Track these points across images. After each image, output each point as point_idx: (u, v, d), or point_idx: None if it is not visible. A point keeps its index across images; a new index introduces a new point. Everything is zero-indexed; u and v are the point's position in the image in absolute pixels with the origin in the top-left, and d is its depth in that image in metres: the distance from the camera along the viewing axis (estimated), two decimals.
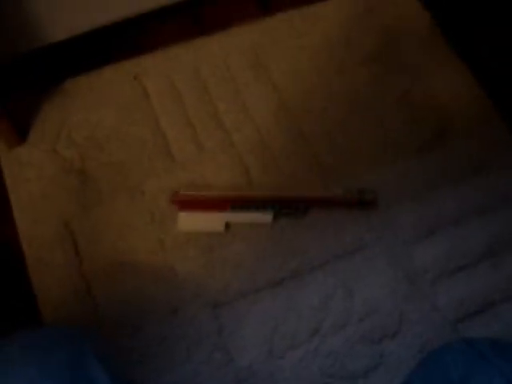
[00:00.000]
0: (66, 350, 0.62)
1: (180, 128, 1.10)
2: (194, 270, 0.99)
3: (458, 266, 1.00)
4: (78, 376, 0.60)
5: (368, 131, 1.10)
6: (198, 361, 0.93)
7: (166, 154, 1.08)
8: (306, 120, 1.11)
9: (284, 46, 1.18)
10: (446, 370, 0.64)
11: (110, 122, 1.10)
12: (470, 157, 1.08)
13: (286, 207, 1.02)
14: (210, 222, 1.02)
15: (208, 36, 1.18)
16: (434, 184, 1.06)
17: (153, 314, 0.96)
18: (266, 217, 1.02)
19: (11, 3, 1.02)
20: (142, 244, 1.01)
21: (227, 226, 1.02)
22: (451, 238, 1.02)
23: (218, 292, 0.98)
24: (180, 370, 0.93)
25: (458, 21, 1.19)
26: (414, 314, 0.97)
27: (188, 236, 1.01)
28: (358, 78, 1.16)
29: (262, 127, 1.10)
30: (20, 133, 1.08)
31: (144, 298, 0.97)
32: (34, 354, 0.60)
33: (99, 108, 1.11)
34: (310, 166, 1.07)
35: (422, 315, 0.97)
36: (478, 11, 1.19)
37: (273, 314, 0.97)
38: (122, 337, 0.95)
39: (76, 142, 1.08)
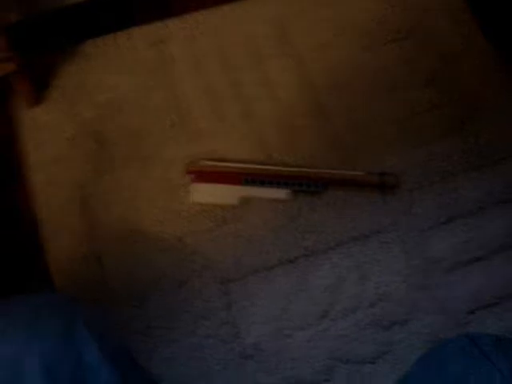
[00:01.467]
0: (55, 317, 0.62)
1: (200, 96, 1.07)
2: (204, 243, 0.98)
3: (474, 256, 0.98)
4: (65, 343, 0.60)
5: (393, 112, 1.07)
6: (204, 334, 0.92)
7: (185, 122, 1.05)
8: (329, 96, 1.08)
9: (311, 18, 1.14)
10: (445, 364, 0.64)
11: (131, 86, 1.07)
12: (494, 146, 1.05)
13: (304, 184, 1.00)
14: (225, 194, 1.00)
15: (234, 3, 1.14)
16: (455, 172, 1.04)
17: (160, 285, 0.95)
18: (282, 193, 1.00)
19: None
20: (154, 213, 0.99)
21: (242, 199, 1.00)
22: (469, 227, 1.00)
23: (228, 267, 0.96)
24: (185, 343, 0.92)
25: (491, 6, 1.14)
26: (426, 302, 0.95)
27: (201, 208, 1.00)
28: (385, 55, 1.12)
29: (283, 101, 1.08)
30: (39, 92, 1.05)
31: (152, 269, 0.96)
32: (24, 321, 0.59)
33: (120, 71, 1.08)
34: (331, 144, 1.05)
35: (434, 304, 0.95)
36: None
37: (284, 292, 0.95)
38: (128, 306, 0.94)
39: (95, 103, 1.06)
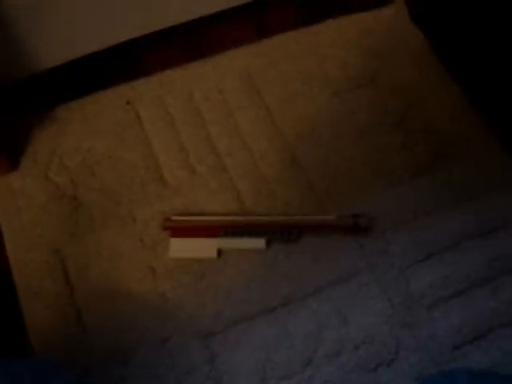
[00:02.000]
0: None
1: (172, 153, 1.09)
2: (185, 298, 0.98)
3: (455, 291, 0.98)
4: None
5: (363, 156, 1.09)
6: None
7: (158, 179, 1.07)
8: (299, 145, 1.10)
9: (278, 70, 1.17)
10: None
11: (102, 148, 1.09)
12: (466, 181, 1.07)
13: (278, 233, 1.01)
14: (202, 248, 1.00)
15: (201, 60, 1.17)
16: (429, 209, 1.04)
17: (143, 343, 0.94)
18: (258, 242, 1.01)
19: (1, 31, 1.02)
20: (133, 271, 0.99)
21: (219, 252, 1.01)
22: (448, 263, 1.00)
23: (209, 320, 0.96)
24: None
25: (451, 43, 1.17)
26: (411, 341, 0.95)
27: (179, 263, 1.00)
28: (353, 102, 1.14)
29: (255, 152, 1.09)
30: (11, 160, 1.07)
31: (134, 327, 0.96)
32: None
33: (91, 134, 1.11)
34: (304, 192, 1.06)
35: (419, 342, 0.95)
36: (472, 35, 1.18)
37: (265, 342, 0.95)
38: (112, 366, 0.93)
39: (68, 168, 1.08)
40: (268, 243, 1.01)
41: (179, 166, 1.08)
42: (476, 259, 1.01)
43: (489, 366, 0.93)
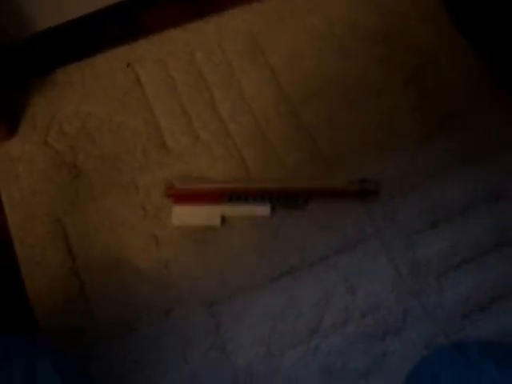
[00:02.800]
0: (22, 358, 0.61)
1: (174, 117, 1.06)
2: (189, 267, 0.96)
3: (464, 258, 0.96)
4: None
5: (372, 118, 1.05)
6: (194, 361, 0.91)
7: (160, 145, 1.04)
8: (306, 107, 1.07)
9: (283, 28, 1.13)
10: (435, 378, 0.63)
11: (102, 113, 1.06)
12: (477, 144, 1.04)
13: (284, 199, 0.98)
14: (206, 215, 0.98)
15: (203, 19, 1.13)
16: (439, 174, 1.02)
17: (147, 314, 0.93)
18: (263, 209, 0.98)
19: None
20: (136, 240, 0.98)
21: (223, 219, 0.98)
22: (457, 229, 0.98)
23: (213, 289, 0.95)
24: (175, 371, 0.90)
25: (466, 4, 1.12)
26: (419, 309, 0.93)
27: (183, 230, 0.98)
28: (362, 60, 1.11)
29: (259, 115, 1.06)
30: (10, 126, 1.04)
31: (138, 297, 0.94)
32: None
33: (91, 98, 1.07)
34: (311, 156, 1.03)
35: (427, 311, 0.93)
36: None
37: (271, 311, 0.93)
38: (115, 337, 0.92)
39: (67, 134, 1.05)
40: (273, 210, 0.99)
41: (182, 131, 1.05)
42: (485, 226, 0.98)
43: (498, 334, 0.92)
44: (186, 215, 0.98)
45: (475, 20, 1.09)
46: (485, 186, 1.01)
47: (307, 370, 0.90)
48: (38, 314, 0.93)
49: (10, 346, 0.64)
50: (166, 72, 1.09)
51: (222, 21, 1.14)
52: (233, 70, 1.09)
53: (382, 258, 0.96)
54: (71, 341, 0.91)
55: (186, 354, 0.91)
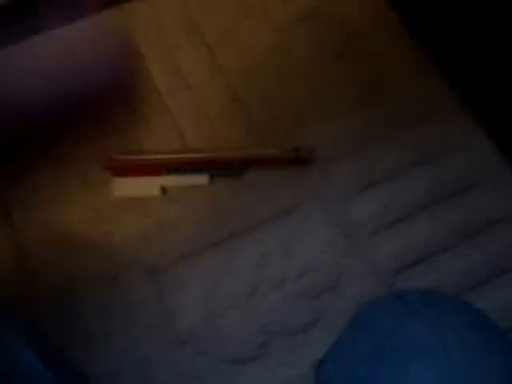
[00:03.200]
0: None
1: None
2: (131, 236, 0.99)
3: (396, 218, 1.01)
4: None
5: (305, 90, 1.09)
6: (138, 326, 0.93)
7: (97, 119, 1.06)
8: (241, 81, 1.10)
9: (217, 4, 1.16)
10: (373, 323, 0.65)
11: None
12: (407, 108, 1.08)
13: (221, 168, 1.02)
14: (146, 186, 1.01)
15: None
16: (371, 138, 1.06)
17: (90, 283, 0.95)
18: (201, 179, 1.02)
19: None
20: (77, 213, 1.00)
21: (164, 190, 1.01)
22: (389, 190, 1.02)
23: (155, 257, 0.97)
24: (119, 337, 0.93)
25: None
26: (353, 267, 0.98)
27: (124, 202, 1.00)
28: (293, 36, 1.14)
29: (196, 89, 1.09)
30: None
31: (81, 268, 0.96)
32: None
33: None
34: (246, 127, 1.06)
35: (361, 269, 0.97)
36: None
37: (211, 275, 0.97)
38: (59, 308, 0.94)
39: None
40: (211, 179, 1.02)
41: (119, 104, 1.07)
42: (415, 187, 1.03)
43: (429, 288, 0.96)
44: (127, 187, 1.01)
45: None
46: (412, 150, 1.05)
47: (248, 328, 0.94)
48: None
49: None
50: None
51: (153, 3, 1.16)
52: (169, 45, 1.12)
53: (318, 221, 1.00)
54: (15, 312, 0.93)
55: (130, 320, 0.94)
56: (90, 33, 1.09)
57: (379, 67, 1.12)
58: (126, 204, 1.00)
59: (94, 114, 1.06)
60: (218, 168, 1.01)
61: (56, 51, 1.08)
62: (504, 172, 1.04)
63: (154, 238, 0.99)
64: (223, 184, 1.02)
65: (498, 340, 0.60)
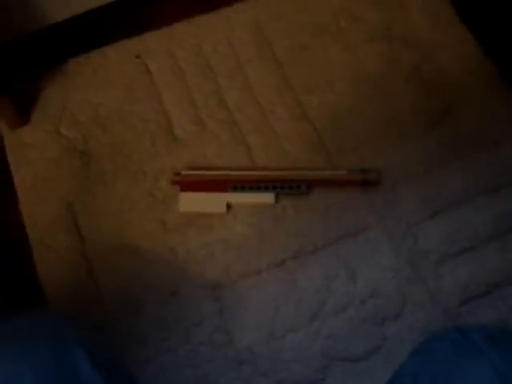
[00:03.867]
0: (48, 336, 0.62)
1: (182, 107, 1.09)
2: (194, 252, 0.99)
3: (462, 247, 0.99)
4: (59, 362, 0.60)
5: (374, 110, 1.08)
6: (198, 342, 0.94)
7: (169, 133, 1.07)
8: (310, 98, 1.09)
9: (288, 22, 1.15)
10: (437, 360, 0.63)
11: (113, 102, 1.09)
12: (476, 134, 1.06)
13: (287, 187, 1.01)
14: (212, 202, 1.01)
15: (211, 12, 1.16)
16: (439, 163, 1.04)
17: (153, 296, 0.96)
18: (267, 197, 1.01)
19: None
20: (144, 225, 1.01)
21: (229, 206, 1.01)
22: (456, 218, 1.00)
23: (218, 274, 0.98)
24: (179, 351, 0.93)
25: None
26: (417, 296, 0.96)
27: (189, 217, 1.01)
28: (365, 55, 1.13)
29: (264, 105, 1.09)
30: (23, 114, 1.08)
31: (145, 280, 0.97)
32: (17, 341, 0.60)
33: (101, 88, 1.10)
34: (314, 146, 1.05)
35: (425, 298, 0.96)
36: None
37: (274, 295, 0.96)
38: (122, 318, 0.95)
39: (78, 122, 1.08)
40: (277, 198, 1.01)
41: (189, 120, 1.08)
42: (484, 215, 1.00)
43: (495, 322, 0.94)
44: (193, 202, 1.01)
45: (480, 11, 1.11)
46: (484, 176, 1.03)
47: (308, 352, 0.93)
48: (49, 296, 0.96)
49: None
50: (175, 63, 1.12)
51: (228, 13, 1.16)
52: (239, 60, 1.12)
53: (383, 246, 0.99)
54: (79, 322, 0.95)
55: (190, 335, 0.94)
56: None
57: (453, 89, 1.09)
58: (192, 219, 1.01)
59: (166, 129, 1.07)
60: (285, 187, 1.01)
61: None
62: None
63: (217, 254, 0.99)
64: (289, 203, 1.02)
65: None
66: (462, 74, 1.11)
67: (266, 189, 1.01)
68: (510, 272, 0.97)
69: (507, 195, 1.02)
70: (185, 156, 1.05)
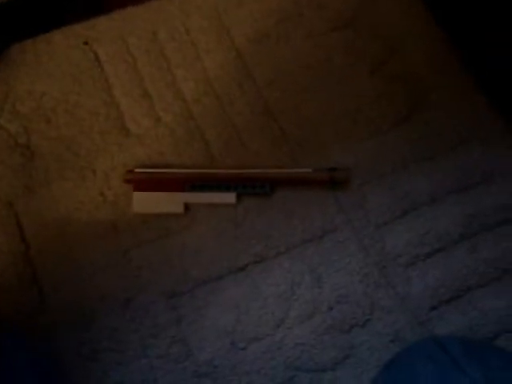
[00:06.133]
0: None
1: (135, 99, 1.00)
2: (149, 256, 0.92)
3: (432, 249, 0.94)
4: None
5: (340, 104, 1.02)
6: (154, 355, 0.87)
7: (120, 127, 0.99)
8: (272, 90, 1.02)
9: (249, 9, 1.08)
10: (413, 374, 0.61)
11: (58, 93, 1.00)
12: (446, 133, 1.01)
13: (249, 186, 0.95)
14: (168, 202, 0.94)
15: None
16: (408, 162, 0.99)
17: (104, 305, 0.89)
18: (228, 197, 0.95)
19: None
20: (93, 228, 0.93)
21: (186, 207, 0.94)
22: (425, 219, 0.96)
23: (175, 280, 0.91)
24: (134, 365, 0.86)
25: None
26: (386, 301, 0.91)
27: (143, 218, 0.93)
28: (329, 45, 1.06)
29: (224, 98, 1.01)
30: None
31: (96, 288, 0.90)
32: None
33: (46, 77, 1.01)
34: (277, 142, 0.99)
35: (395, 302, 0.91)
36: None
37: (235, 302, 0.90)
38: (70, 329, 0.88)
39: (21, 114, 0.99)
40: (238, 198, 0.95)
41: (142, 113, 0.99)
42: (454, 216, 0.96)
43: (466, 327, 0.90)
44: (147, 202, 0.94)
45: (449, 6, 1.07)
46: (453, 174, 0.99)
47: (272, 362, 0.87)
48: None
49: None
50: (127, 50, 1.03)
51: (182, 0, 1.09)
52: (197, 49, 1.04)
53: (350, 249, 0.93)
54: (24, 331, 0.87)
55: (146, 347, 0.87)
56: None
57: (420, 85, 1.04)
58: (146, 221, 0.93)
59: (117, 123, 0.99)
60: (247, 186, 0.95)
61: None
62: None
63: (174, 259, 0.92)
64: (251, 203, 0.95)
65: None
66: (430, 69, 1.06)
67: (227, 188, 0.94)
68: (481, 273, 0.93)
69: (477, 194, 0.98)
70: (138, 152, 0.97)
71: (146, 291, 0.90)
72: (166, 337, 0.88)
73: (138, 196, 0.94)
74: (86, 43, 1.03)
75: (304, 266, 0.92)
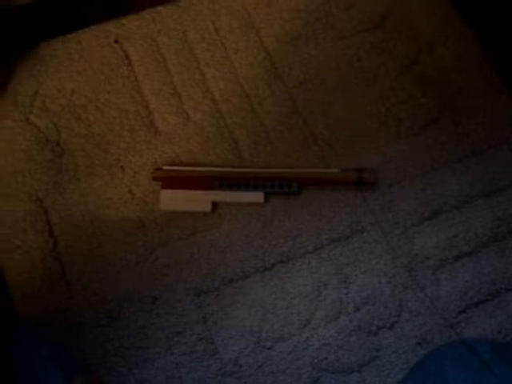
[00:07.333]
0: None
1: (164, 97, 1.01)
2: (176, 254, 0.92)
3: (461, 252, 0.93)
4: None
5: (369, 105, 1.01)
6: (180, 352, 0.87)
7: (149, 125, 0.99)
8: (301, 91, 1.02)
9: (279, 9, 1.08)
10: (443, 375, 0.60)
11: (88, 90, 1.01)
12: (477, 135, 1.00)
13: (277, 186, 0.94)
14: (196, 201, 0.94)
15: None
16: (438, 164, 0.98)
17: (131, 302, 0.89)
18: (256, 196, 0.94)
19: None
20: (121, 224, 0.93)
21: (214, 205, 0.94)
22: (454, 222, 0.95)
23: (202, 278, 0.91)
24: (159, 363, 0.86)
25: None
26: (414, 303, 0.90)
27: (171, 216, 0.94)
28: (359, 46, 1.06)
29: (253, 97, 1.01)
30: None
31: (122, 284, 0.90)
32: None
33: (76, 74, 1.02)
34: (305, 142, 0.99)
35: (422, 305, 0.90)
36: None
37: (261, 302, 0.90)
38: (97, 326, 0.88)
39: (51, 111, 1.00)
40: (266, 197, 0.95)
41: (171, 111, 1.00)
42: (483, 219, 0.95)
43: (495, 331, 0.89)
44: (175, 200, 0.94)
45: (478, 6, 1.06)
46: (483, 178, 0.98)
47: (298, 363, 0.87)
48: (17, 299, 0.89)
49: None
50: (157, 49, 1.04)
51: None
52: (226, 49, 1.05)
53: (378, 249, 0.93)
54: (51, 327, 0.87)
55: (172, 345, 0.87)
56: None
57: (450, 86, 1.03)
58: (173, 218, 0.93)
59: (146, 121, 0.99)
60: (275, 186, 0.94)
61: None
62: None
63: (200, 257, 0.92)
64: (279, 203, 0.95)
65: None
66: (460, 70, 1.05)
67: (255, 187, 0.94)
68: (510, 277, 0.92)
69: (506, 198, 0.97)
70: (166, 150, 0.98)
71: (173, 289, 0.90)
72: (191, 335, 0.88)
73: (165, 194, 0.94)
74: (116, 41, 1.03)
75: (331, 267, 0.92)
